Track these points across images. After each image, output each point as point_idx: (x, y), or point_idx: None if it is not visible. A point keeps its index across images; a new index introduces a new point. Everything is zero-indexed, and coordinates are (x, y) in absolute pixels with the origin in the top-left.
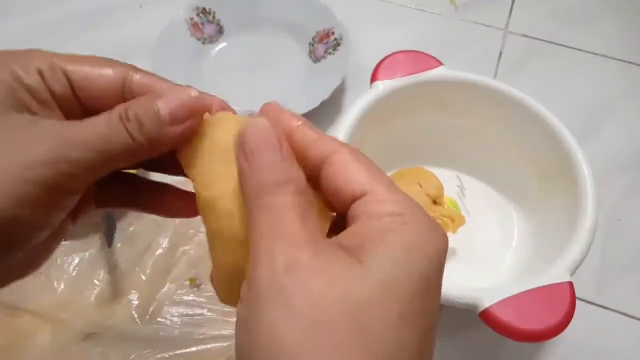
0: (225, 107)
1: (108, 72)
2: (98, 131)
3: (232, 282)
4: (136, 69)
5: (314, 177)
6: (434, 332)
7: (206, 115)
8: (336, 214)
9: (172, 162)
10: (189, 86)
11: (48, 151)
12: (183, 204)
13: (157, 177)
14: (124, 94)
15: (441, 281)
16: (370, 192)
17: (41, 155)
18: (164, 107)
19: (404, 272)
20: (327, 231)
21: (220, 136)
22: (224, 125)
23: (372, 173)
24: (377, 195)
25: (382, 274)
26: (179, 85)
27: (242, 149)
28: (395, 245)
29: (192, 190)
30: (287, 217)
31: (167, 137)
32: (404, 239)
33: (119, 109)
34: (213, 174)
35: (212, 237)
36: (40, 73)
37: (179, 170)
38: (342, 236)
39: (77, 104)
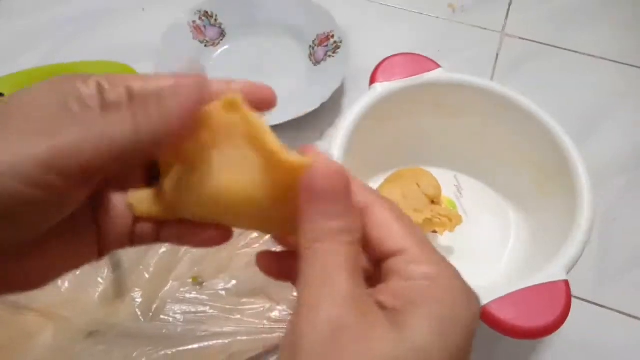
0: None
1: (163, 78)
2: (107, 118)
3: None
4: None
5: None
6: None
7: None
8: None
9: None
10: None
11: (57, 136)
12: (213, 233)
13: None
14: None
15: (472, 348)
16: (407, 251)
17: (52, 139)
18: (170, 95)
19: (439, 342)
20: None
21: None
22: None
23: (410, 231)
24: (414, 255)
25: (418, 343)
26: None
27: (309, 187)
28: (432, 313)
29: None
30: (339, 269)
31: (170, 122)
32: (440, 308)
33: (135, 102)
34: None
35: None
36: (99, 85)
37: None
38: (381, 294)
39: None
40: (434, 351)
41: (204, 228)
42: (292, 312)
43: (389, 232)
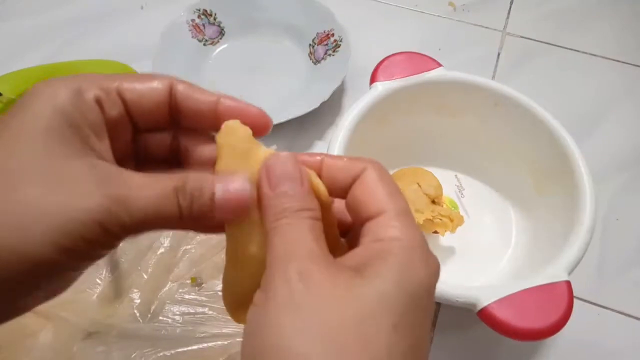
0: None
1: (155, 84)
2: (152, 196)
3: (246, 302)
4: (177, 80)
5: (343, 195)
6: (425, 342)
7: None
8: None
9: None
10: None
11: (99, 205)
12: None
13: None
14: (170, 106)
15: (432, 301)
16: (383, 214)
17: (91, 206)
18: (219, 193)
19: (398, 289)
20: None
21: (237, 154)
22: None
23: (391, 195)
24: (388, 218)
25: (380, 289)
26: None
27: (267, 177)
28: (393, 266)
29: None
30: (303, 236)
31: (214, 219)
32: (400, 261)
33: (177, 180)
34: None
35: (234, 256)
36: (99, 101)
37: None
38: (348, 257)
39: (129, 124)
40: (395, 296)
41: None
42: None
43: (372, 196)
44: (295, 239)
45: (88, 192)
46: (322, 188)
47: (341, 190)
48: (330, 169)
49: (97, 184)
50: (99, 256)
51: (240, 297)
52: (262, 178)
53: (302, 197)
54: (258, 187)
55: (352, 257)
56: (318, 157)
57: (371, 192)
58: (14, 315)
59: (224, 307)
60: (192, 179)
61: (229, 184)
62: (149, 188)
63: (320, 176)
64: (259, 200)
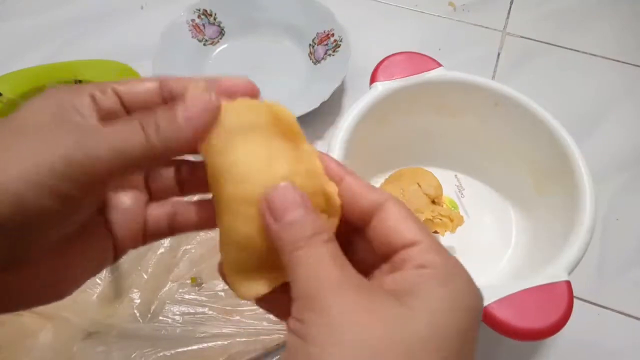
0: (250, 88)
1: (147, 80)
2: (118, 130)
3: (245, 261)
4: (170, 77)
5: (362, 223)
6: None
7: (223, 105)
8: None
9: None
10: (215, 78)
11: (70, 146)
12: None
13: None
14: (163, 96)
15: (477, 335)
16: (422, 242)
17: (65, 149)
18: (181, 112)
19: (448, 321)
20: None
21: (233, 121)
22: (238, 111)
23: (422, 227)
24: (426, 245)
25: (429, 320)
26: (203, 79)
27: (269, 209)
28: (442, 294)
29: None
30: (327, 266)
31: (182, 139)
32: (449, 289)
33: (140, 114)
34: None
35: (228, 204)
36: (92, 96)
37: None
38: (389, 280)
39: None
40: (444, 329)
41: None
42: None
43: (405, 225)
44: (319, 271)
45: (59, 135)
46: (335, 198)
47: (357, 212)
48: (352, 189)
49: (68, 130)
50: (84, 204)
51: (240, 257)
52: (264, 212)
53: (310, 221)
54: (265, 222)
55: (393, 280)
56: (341, 172)
57: (403, 222)
58: (25, 265)
59: (224, 305)
60: (156, 111)
61: (189, 102)
62: (114, 124)
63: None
64: (267, 232)
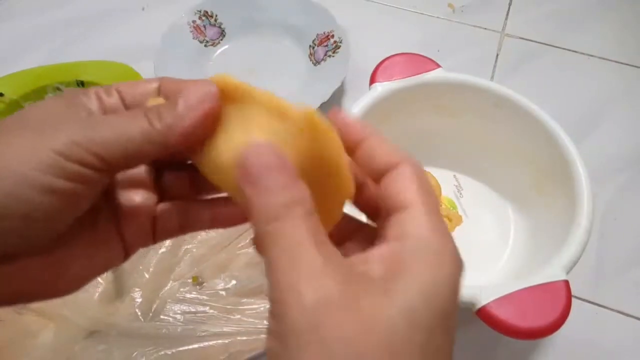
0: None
1: (149, 81)
2: (123, 119)
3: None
4: (171, 78)
5: (375, 179)
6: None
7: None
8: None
9: None
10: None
11: (73, 133)
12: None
13: None
14: (164, 96)
15: (457, 309)
16: (411, 208)
17: (67, 136)
18: (182, 101)
19: (427, 306)
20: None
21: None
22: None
23: (422, 190)
24: (418, 213)
25: (407, 307)
26: (205, 80)
27: (246, 174)
28: (421, 277)
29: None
30: (303, 246)
31: (182, 127)
32: (428, 272)
33: (145, 106)
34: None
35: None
36: (97, 95)
37: None
38: (368, 262)
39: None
40: (421, 312)
41: (227, 204)
42: (269, 303)
43: (404, 188)
44: (294, 250)
45: (65, 125)
46: (344, 173)
47: (374, 173)
48: (373, 149)
49: (74, 121)
50: (86, 195)
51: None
52: (239, 176)
53: (288, 187)
54: (239, 185)
55: (370, 261)
56: (364, 132)
57: (403, 184)
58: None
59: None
60: (160, 104)
61: (190, 90)
62: (119, 114)
63: (358, 151)
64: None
